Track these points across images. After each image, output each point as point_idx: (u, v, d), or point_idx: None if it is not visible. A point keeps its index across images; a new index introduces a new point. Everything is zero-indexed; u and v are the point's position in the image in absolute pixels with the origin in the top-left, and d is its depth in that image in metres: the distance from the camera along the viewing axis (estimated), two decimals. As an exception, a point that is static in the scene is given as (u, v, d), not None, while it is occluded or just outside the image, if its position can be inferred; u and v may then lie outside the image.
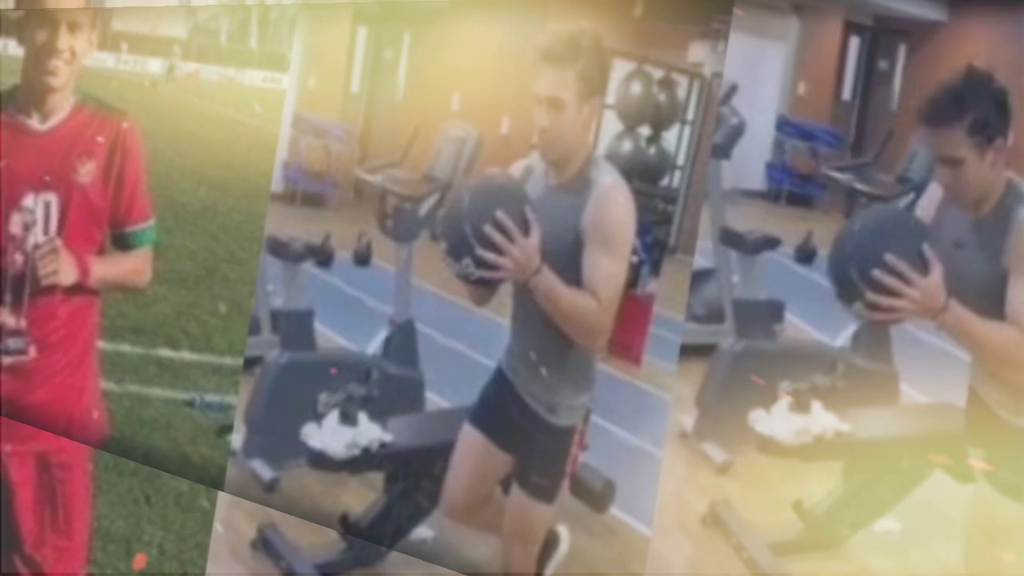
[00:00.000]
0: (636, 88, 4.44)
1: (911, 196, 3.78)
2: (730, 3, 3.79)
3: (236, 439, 4.51)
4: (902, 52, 3.90)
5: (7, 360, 3.32)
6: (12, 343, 3.31)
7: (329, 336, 4.71)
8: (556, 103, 3.48)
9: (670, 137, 4.38)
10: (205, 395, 5.22)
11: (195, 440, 5.07)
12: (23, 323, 3.22)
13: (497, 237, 3.34)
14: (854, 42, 4.02)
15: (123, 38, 5.39)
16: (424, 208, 4.55)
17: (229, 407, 4.71)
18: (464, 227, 3.35)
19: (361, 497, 4.23)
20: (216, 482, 4.57)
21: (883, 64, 3.96)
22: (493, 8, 4.52)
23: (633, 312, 4.13)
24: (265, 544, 4.24)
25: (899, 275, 3.15)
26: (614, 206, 3.47)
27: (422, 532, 4.18)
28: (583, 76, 3.49)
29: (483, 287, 3.53)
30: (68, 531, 3.40)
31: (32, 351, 3.33)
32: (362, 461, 4.12)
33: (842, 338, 4.41)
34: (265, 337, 4.71)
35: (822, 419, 3.97)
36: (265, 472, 4.45)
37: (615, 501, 3.97)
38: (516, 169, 3.63)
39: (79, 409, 3.40)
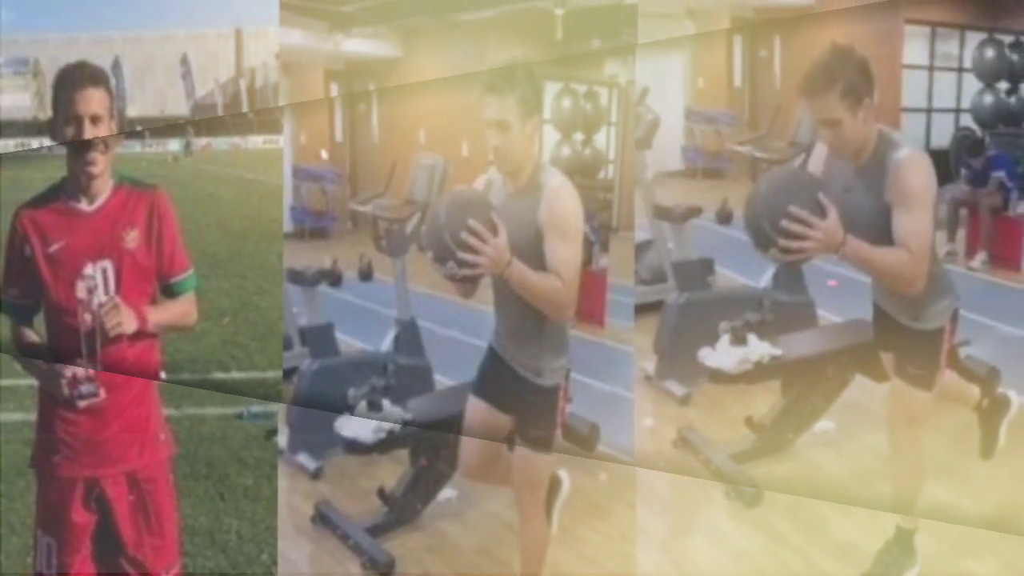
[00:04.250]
0: (566, 103, 4.48)
1: (802, 156, 3.83)
2: (634, 22, 3.85)
3: (282, 439, 4.54)
4: (777, 41, 3.97)
5: (83, 403, 3.35)
6: (85, 388, 3.32)
7: (348, 342, 4.74)
8: (503, 125, 3.46)
9: (600, 139, 4.46)
10: (251, 407, 5.26)
11: (248, 444, 5.13)
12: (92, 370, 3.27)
13: (472, 241, 3.33)
14: (738, 39, 4.09)
15: (139, 122, 5.45)
16: (410, 226, 4.59)
17: (272, 414, 4.75)
18: (444, 237, 3.34)
19: (392, 473, 4.28)
20: (271, 477, 4.63)
21: (763, 53, 4.02)
22: (441, 54, 4.59)
23: (592, 284, 4.17)
24: (322, 518, 4.25)
25: (802, 221, 3.14)
26: (563, 202, 3.45)
27: (447, 492, 4.26)
28: (522, 100, 3.47)
29: (467, 283, 3.50)
30: (161, 532, 3.42)
31: (102, 392, 3.36)
32: (388, 442, 4.14)
33: (764, 280, 4.50)
34: (297, 351, 4.71)
35: (758, 348, 4.02)
36: (310, 463, 4.48)
37: (601, 440, 4.02)
38: (479, 183, 3.61)
39: (148, 434, 3.43)
